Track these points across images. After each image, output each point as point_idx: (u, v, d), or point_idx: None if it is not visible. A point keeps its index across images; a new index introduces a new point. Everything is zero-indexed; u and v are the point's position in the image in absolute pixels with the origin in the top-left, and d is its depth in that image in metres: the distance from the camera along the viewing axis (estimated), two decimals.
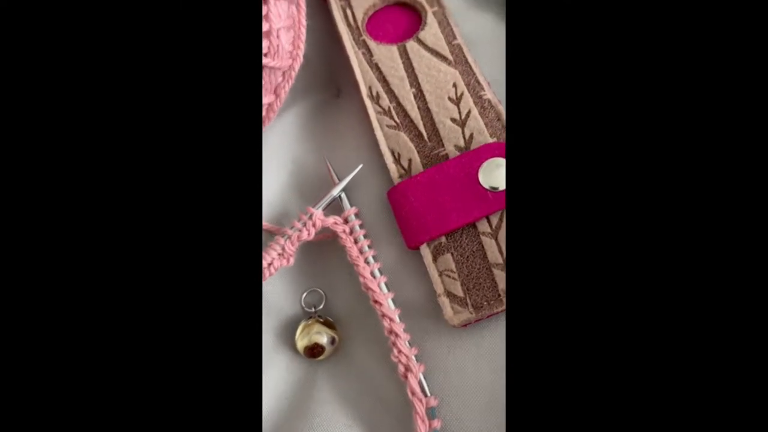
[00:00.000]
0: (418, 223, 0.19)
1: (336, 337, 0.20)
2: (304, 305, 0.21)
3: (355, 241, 0.20)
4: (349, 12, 0.23)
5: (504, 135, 0.20)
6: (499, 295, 0.18)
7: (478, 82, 0.21)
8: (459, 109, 0.20)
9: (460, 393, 0.18)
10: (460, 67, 0.21)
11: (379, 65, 0.22)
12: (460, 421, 0.18)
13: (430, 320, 0.19)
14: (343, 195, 0.21)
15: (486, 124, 0.20)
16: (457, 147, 0.20)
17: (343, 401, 0.19)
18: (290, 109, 0.24)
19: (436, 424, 0.18)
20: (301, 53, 0.20)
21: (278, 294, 0.21)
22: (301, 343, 0.20)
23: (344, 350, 0.21)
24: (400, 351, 0.19)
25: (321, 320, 0.21)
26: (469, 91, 0.21)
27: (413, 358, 0.19)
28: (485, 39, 0.23)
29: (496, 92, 0.21)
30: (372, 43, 0.22)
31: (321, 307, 0.21)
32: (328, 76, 0.24)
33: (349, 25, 0.23)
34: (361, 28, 0.23)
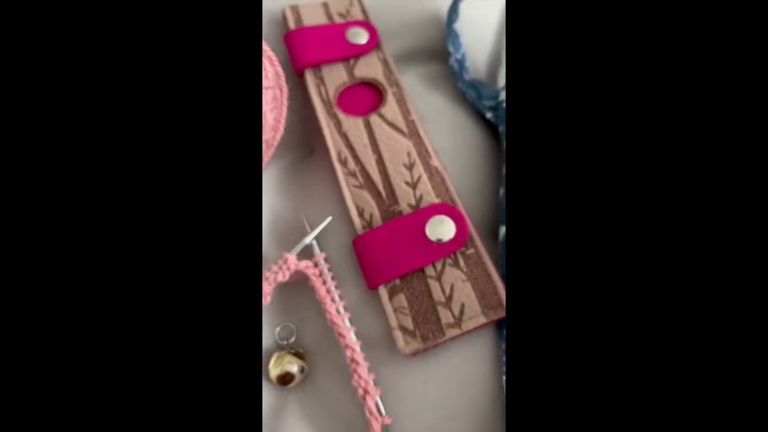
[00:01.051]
0: (377, 268, 0.23)
1: (305, 366, 0.24)
2: (277, 338, 0.24)
3: (324, 283, 0.24)
4: (322, 89, 0.28)
5: (447, 197, 0.24)
6: (442, 328, 0.22)
7: (427, 151, 0.26)
8: (411, 174, 0.25)
9: (411, 413, 0.22)
10: (413, 139, 0.26)
11: (347, 134, 0.26)
12: None
13: (386, 351, 0.23)
14: (314, 242, 0.25)
15: (432, 187, 0.25)
16: (409, 205, 0.24)
17: (311, 423, 0.22)
18: (270, 167, 0.28)
19: None
20: (282, 126, 0.24)
21: None
22: (274, 372, 0.23)
23: (312, 378, 0.24)
24: (360, 377, 0.22)
25: (292, 351, 0.24)
26: (420, 160, 0.25)
27: (371, 382, 0.22)
28: (435, 114, 0.28)
29: (441, 159, 0.26)
30: (341, 115, 0.27)
31: (293, 339, 0.24)
32: (304, 140, 0.28)
33: (322, 99, 0.27)
34: (332, 102, 0.27)
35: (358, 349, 0.23)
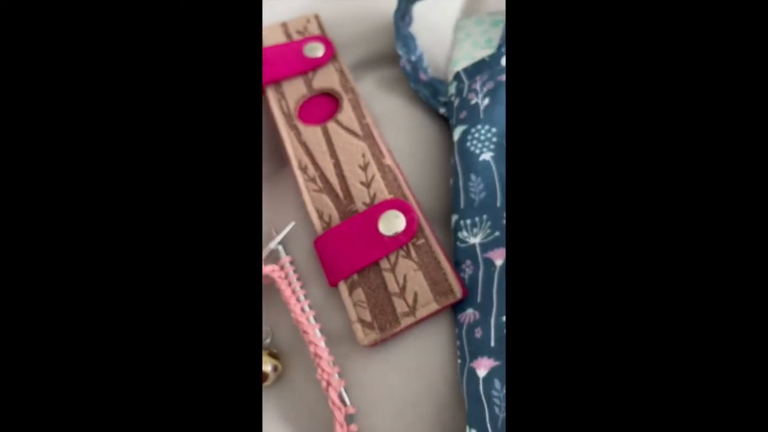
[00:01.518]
0: (336, 266, 0.24)
1: (278, 365, 0.25)
2: None
3: (289, 284, 0.25)
4: (283, 103, 0.29)
5: (399, 192, 0.25)
6: (397, 317, 0.22)
7: (380, 151, 0.27)
8: (366, 174, 0.26)
9: (375, 402, 0.22)
10: (368, 141, 0.27)
11: (307, 143, 0.28)
12: (374, 425, 0.22)
13: (351, 345, 0.24)
14: (279, 247, 0.26)
15: (385, 185, 0.25)
16: (364, 203, 0.25)
17: (285, 419, 0.24)
18: None
19: (353, 428, 0.22)
20: None
21: None
22: None
23: (287, 376, 0.25)
24: (323, 370, 0.23)
25: (267, 352, 0.25)
26: (374, 160, 0.26)
27: (335, 375, 0.23)
28: (392, 115, 0.29)
29: (398, 157, 0.27)
30: (301, 126, 0.28)
31: (268, 341, 0.26)
32: (274, 154, 0.30)
33: (283, 113, 0.29)
34: (293, 115, 0.29)
35: (321, 344, 0.24)
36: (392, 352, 0.23)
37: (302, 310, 0.24)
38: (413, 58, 0.30)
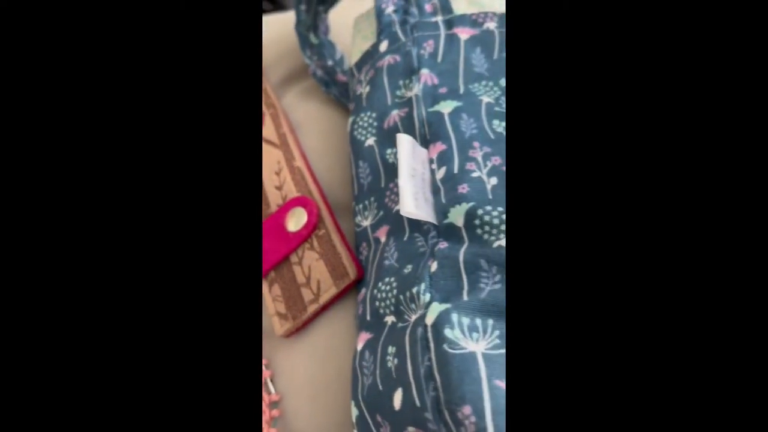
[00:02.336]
0: None
1: None
2: None
3: None
4: None
5: (306, 190, 0.27)
6: (305, 306, 0.24)
7: (292, 155, 0.28)
8: (279, 178, 0.28)
9: (296, 388, 0.24)
10: (283, 148, 0.29)
11: None
12: (295, 409, 0.23)
13: (277, 338, 0.25)
14: None
15: (294, 185, 0.27)
16: (277, 205, 0.27)
17: None
18: None
19: (275, 413, 0.23)
20: None
21: None
22: None
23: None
24: None
25: None
26: (286, 164, 0.28)
27: (262, 366, 0.25)
28: (309, 120, 0.31)
29: (312, 158, 0.29)
30: None
31: None
32: None
33: None
34: None
35: None
36: (307, 340, 0.24)
37: None
38: (330, 62, 0.31)
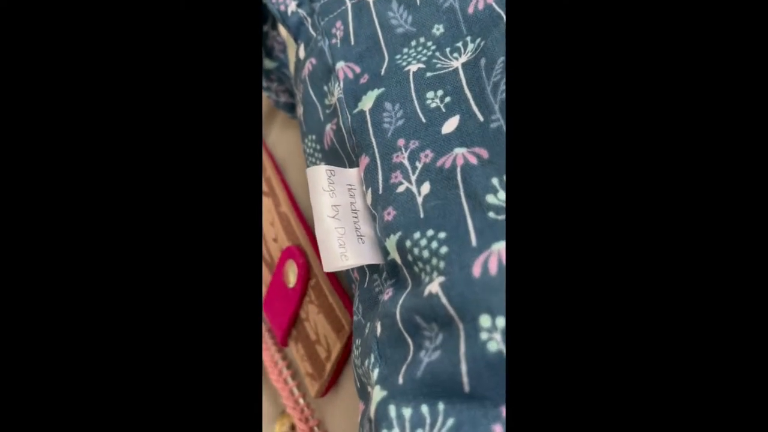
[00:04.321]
0: (276, 327, 0.25)
1: (295, 423, 0.27)
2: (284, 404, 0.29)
3: (267, 350, 0.27)
4: None
5: (294, 236, 0.24)
6: (323, 363, 0.22)
7: (279, 200, 0.26)
8: (274, 229, 0.26)
9: None
10: (271, 194, 0.27)
11: None
12: None
13: (329, 397, 0.24)
14: None
15: (285, 233, 0.25)
16: (278, 260, 0.25)
17: None
18: None
19: None
20: None
21: (264, 403, 0.29)
22: None
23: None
24: (301, 430, 0.24)
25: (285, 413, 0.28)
26: (276, 211, 0.26)
27: (315, 429, 0.23)
28: (292, 153, 0.28)
29: (298, 193, 0.26)
30: None
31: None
32: None
33: None
34: None
35: (296, 402, 0.24)
36: (342, 396, 0.22)
37: (280, 372, 0.26)
38: (288, 86, 0.28)
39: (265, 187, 0.28)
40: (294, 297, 0.23)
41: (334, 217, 0.15)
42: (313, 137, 0.21)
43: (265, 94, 0.29)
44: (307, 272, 0.23)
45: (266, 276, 0.26)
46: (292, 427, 0.27)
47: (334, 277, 0.22)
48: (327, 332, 0.22)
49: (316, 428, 0.24)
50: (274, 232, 0.26)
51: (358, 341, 0.16)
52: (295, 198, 0.26)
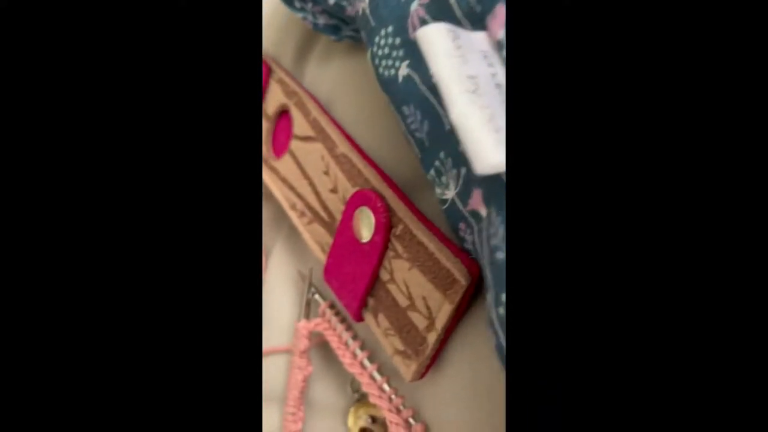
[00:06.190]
0: (346, 296, 0.20)
1: (377, 414, 0.22)
2: (351, 391, 0.24)
3: (334, 330, 0.22)
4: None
5: (361, 179, 0.19)
6: (423, 336, 0.16)
7: (333, 141, 0.21)
8: (330, 177, 0.21)
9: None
10: (320, 138, 0.22)
11: (286, 177, 0.24)
12: None
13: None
14: (316, 296, 0.24)
15: (347, 178, 0.20)
16: (341, 213, 0.20)
17: None
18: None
19: None
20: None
21: (327, 392, 0.24)
22: (354, 431, 0.23)
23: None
24: (391, 422, 0.19)
25: (365, 402, 0.23)
26: (330, 155, 0.21)
27: (410, 419, 0.18)
28: (337, 87, 0.23)
29: (355, 132, 0.21)
30: (276, 163, 0.25)
31: (362, 390, 0.23)
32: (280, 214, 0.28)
33: (263, 160, 0.27)
34: (268, 157, 0.26)
35: (383, 387, 0.19)
36: (447, 377, 0.17)
37: (354, 355, 0.21)
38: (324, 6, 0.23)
39: (311, 132, 0.23)
40: (372, 254, 0.18)
41: (474, 92, 0.10)
42: (389, 29, 0.15)
43: (299, 16, 0.24)
44: (387, 219, 0.17)
45: (327, 238, 0.21)
46: (373, 420, 0.22)
47: (427, 219, 0.17)
48: (427, 292, 0.16)
49: (411, 419, 0.19)
50: (331, 181, 0.21)
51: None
52: (353, 138, 0.21)
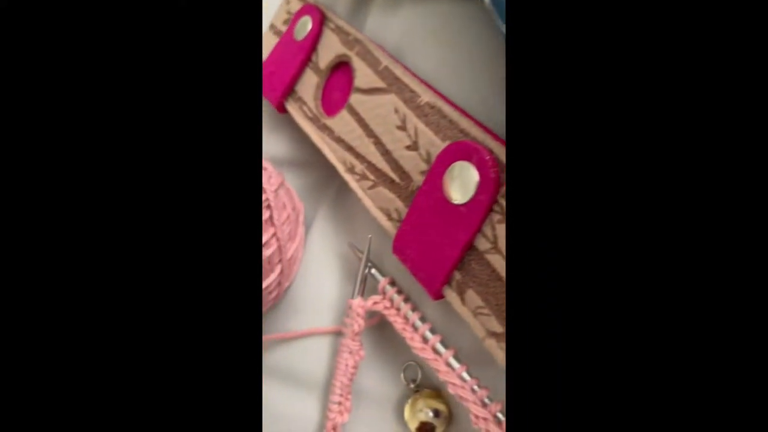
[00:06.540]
0: (427, 270, 0.17)
1: (441, 408, 0.19)
2: (404, 381, 0.21)
3: (398, 311, 0.19)
4: (305, 108, 0.24)
5: (455, 131, 0.16)
6: None
7: (412, 90, 0.18)
8: (408, 132, 0.18)
9: None
10: (394, 88, 0.19)
11: (341, 137, 0.22)
12: None
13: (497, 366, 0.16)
14: (374, 271, 0.21)
15: (434, 132, 0.17)
16: (422, 173, 0.17)
17: None
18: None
19: None
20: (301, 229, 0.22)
21: (376, 380, 0.21)
22: (412, 425, 0.20)
23: (459, 417, 0.19)
24: (476, 416, 0.16)
25: (426, 393, 0.20)
26: (408, 107, 0.18)
27: (498, 414, 0.16)
28: (412, 36, 0.20)
29: (439, 81, 0.18)
30: (330, 121, 0.22)
31: (419, 379, 0.21)
32: (327, 178, 0.25)
33: (309, 119, 0.24)
34: (318, 115, 0.23)
35: (462, 376, 0.17)
36: None
37: (423, 338, 0.18)
38: None
39: (380, 83, 0.20)
40: (471, 218, 0.15)
41: None
42: None
43: None
44: (497, 174, 0.15)
45: (397, 203, 0.18)
46: (435, 414, 0.19)
47: None
48: None
49: (499, 414, 0.16)
50: (409, 138, 0.18)
51: None
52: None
